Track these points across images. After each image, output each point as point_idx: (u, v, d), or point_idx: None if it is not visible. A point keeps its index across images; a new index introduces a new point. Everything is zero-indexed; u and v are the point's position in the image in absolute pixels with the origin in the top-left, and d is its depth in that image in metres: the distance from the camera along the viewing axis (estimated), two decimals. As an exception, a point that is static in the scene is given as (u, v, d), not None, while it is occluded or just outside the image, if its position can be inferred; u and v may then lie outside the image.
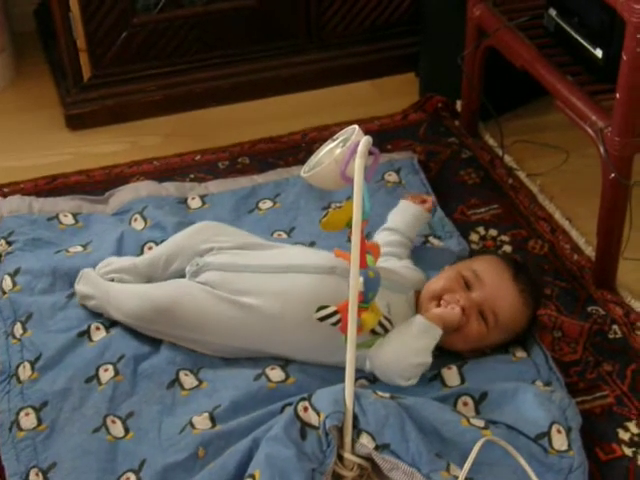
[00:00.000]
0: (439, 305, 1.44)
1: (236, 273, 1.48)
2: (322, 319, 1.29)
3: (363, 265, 1.21)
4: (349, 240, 1.18)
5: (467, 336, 1.44)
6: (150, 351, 1.48)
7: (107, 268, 1.56)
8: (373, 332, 1.36)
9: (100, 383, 1.42)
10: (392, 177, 1.86)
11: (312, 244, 1.68)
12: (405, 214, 1.62)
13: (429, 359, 1.40)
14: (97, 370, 1.44)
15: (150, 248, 1.65)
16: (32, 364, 1.46)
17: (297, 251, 1.57)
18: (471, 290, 1.44)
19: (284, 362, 1.46)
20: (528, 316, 1.47)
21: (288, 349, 1.45)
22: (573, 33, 1.72)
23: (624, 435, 1.39)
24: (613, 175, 1.55)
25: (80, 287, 1.54)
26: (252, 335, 1.45)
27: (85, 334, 1.50)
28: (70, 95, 2.12)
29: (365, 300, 1.23)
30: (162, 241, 1.63)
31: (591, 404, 1.44)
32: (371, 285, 1.24)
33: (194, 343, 1.47)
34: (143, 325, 1.48)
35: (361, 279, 1.20)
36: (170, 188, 1.85)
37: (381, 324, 1.33)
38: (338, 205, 1.77)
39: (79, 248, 1.67)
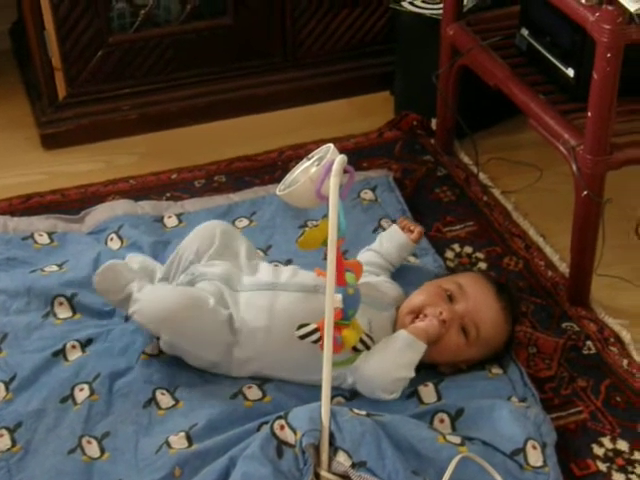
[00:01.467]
0: (415, 319, 1.44)
1: (227, 287, 1.47)
2: (303, 337, 1.30)
3: (341, 282, 1.22)
4: (325, 258, 1.19)
5: (444, 347, 1.44)
6: (126, 369, 1.47)
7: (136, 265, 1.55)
8: (355, 349, 1.37)
9: (75, 403, 1.42)
10: (368, 195, 1.87)
11: (289, 262, 1.68)
12: (392, 241, 1.63)
13: (412, 373, 1.42)
14: (72, 390, 1.43)
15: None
16: (6, 385, 1.44)
17: (284, 270, 1.56)
18: (454, 302, 1.46)
19: (261, 381, 1.46)
20: (507, 333, 1.48)
21: (271, 367, 1.45)
22: (545, 53, 1.74)
23: (598, 451, 1.40)
24: (585, 192, 1.56)
25: (101, 278, 1.47)
26: (238, 349, 1.44)
27: (60, 353, 1.49)
28: (45, 114, 2.11)
29: (345, 317, 1.24)
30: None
31: (566, 420, 1.45)
32: (351, 302, 1.24)
33: (186, 354, 1.46)
34: (158, 327, 1.43)
35: (340, 296, 1.21)
36: (146, 207, 1.85)
37: (362, 341, 1.34)
38: (314, 223, 1.77)
39: (54, 267, 1.66)
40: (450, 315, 1.44)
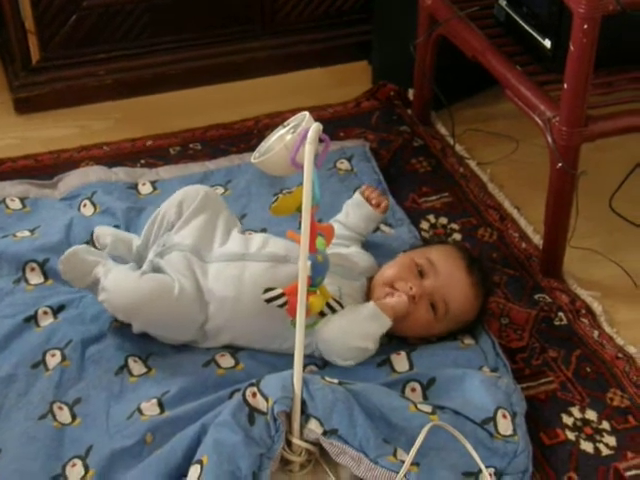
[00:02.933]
0: (390, 292, 1.44)
1: (197, 259, 1.46)
2: (269, 301, 1.29)
3: (312, 250, 1.22)
4: (300, 227, 1.18)
5: (413, 323, 1.45)
6: (98, 336, 1.46)
7: (107, 239, 1.53)
8: (322, 314, 1.36)
9: (47, 369, 1.41)
10: (344, 165, 1.87)
11: (263, 231, 1.67)
12: (359, 212, 1.61)
13: (371, 346, 1.41)
14: (44, 355, 1.43)
15: (99, 234, 1.64)
16: (-23, 350, 1.44)
17: (255, 239, 1.54)
18: (424, 278, 1.45)
19: (234, 349, 1.46)
20: (477, 308, 1.48)
21: (242, 337, 1.45)
22: (522, 23, 1.73)
23: (568, 420, 1.42)
24: (560, 164, 1.57)
25: (66, 267, 1.45)
26: (210, 320, 1.44)
27: (32, 319, 1.48)
28: (18, 78, 2.09)
29: (313, 284, 1.24)
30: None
31: (536, 390, 1.46)
32: (319, 269, 1.24)
33: (159, 337, 1.46)
34: (128, 317, 1.44)
35: (309, 263, 1.20)
36: (120, 173, 1.83)
37: (330, 306, 1.33)
38: (289, 191, 1.77)
39: (26, 233, 1.64)
40: (419, 291, 1.44)
